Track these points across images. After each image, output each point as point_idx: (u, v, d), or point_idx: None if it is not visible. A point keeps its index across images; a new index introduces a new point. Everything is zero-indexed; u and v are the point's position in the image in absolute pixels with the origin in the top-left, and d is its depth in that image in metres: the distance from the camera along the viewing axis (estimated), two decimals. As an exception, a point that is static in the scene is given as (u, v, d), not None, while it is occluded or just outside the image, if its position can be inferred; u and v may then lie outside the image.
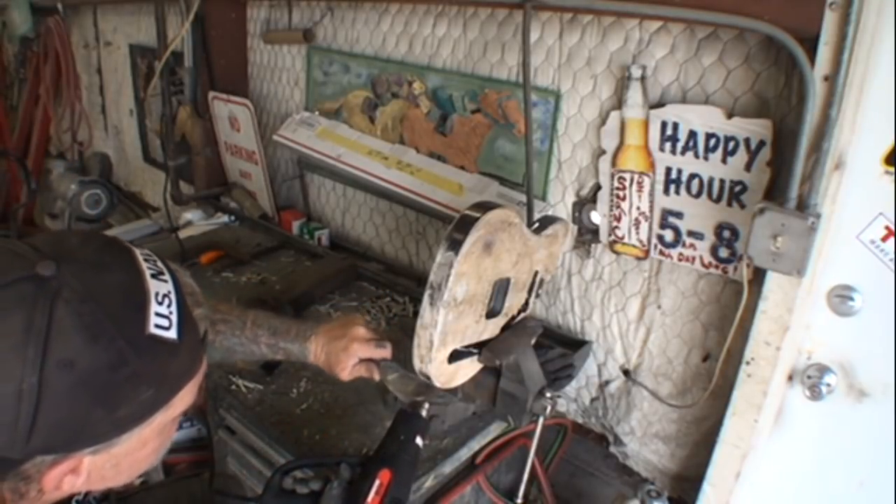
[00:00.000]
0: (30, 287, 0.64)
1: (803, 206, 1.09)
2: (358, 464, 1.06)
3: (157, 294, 0.70)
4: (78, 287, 0.65)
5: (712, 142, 1.27)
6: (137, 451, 0.73)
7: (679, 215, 1.37)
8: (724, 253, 1.33)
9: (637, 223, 1.43)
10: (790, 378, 1.21)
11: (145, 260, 0.73)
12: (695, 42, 1.29)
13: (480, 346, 1.24)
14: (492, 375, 1.29)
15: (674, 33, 1.31)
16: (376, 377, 1.27)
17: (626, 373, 1.58)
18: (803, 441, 1.23)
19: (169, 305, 0.71)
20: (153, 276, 0.72)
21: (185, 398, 0.75)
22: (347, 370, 1.25)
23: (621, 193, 1.44)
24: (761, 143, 1.21)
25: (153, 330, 0.68)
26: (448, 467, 1.38)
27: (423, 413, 1.14)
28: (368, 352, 1.25)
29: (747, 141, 1.23)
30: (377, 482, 1.02)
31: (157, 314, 0.69)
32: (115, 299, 0.68)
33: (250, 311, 1.27)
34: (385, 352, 1.27)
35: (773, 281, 1.16)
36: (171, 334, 0.70)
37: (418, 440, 1.10)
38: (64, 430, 0.65)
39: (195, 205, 2.57)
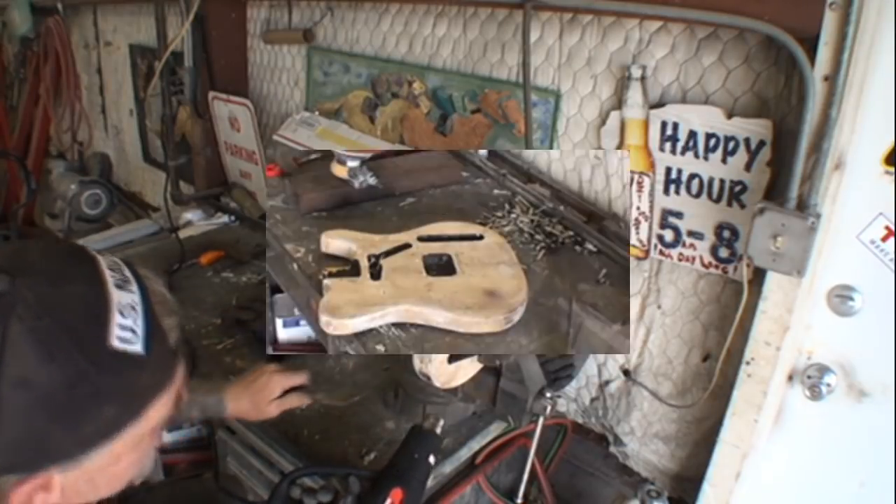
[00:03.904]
0: None
1: (803, 206, 1.09)
2: (368, 478, 1.05)
3: (120, 305, 0.67)
4: (33, 302, 0.62)
5: (712, 142, 1.27)
6: (112, 465, 0.71)
7: (679, 215, 1.37)
8: (724, 253, 1.33)
9: (637, 223, 1.43)
10: (790, 378, 1.21)
11: (110, 269, 0.70)
12: (695, 42, 1.29)
13: (480, 347, 1.24)
14: (492, 375, 1.29)
15: (674, 33, 1.31)
16: (306, 401, 1.37)
17: (626, 373, 1.58)
18: (803, 441, 1.23)
19: (135, 317, 0.68)
20: (117, 286, 0.68)
21: (159, 411, 0.72)
22: (274, 403, 1.31)
23: (621, 193, 1.44)
24: (761, 143, 1.21)
25: (116, 344, 0.65)
26: (448, 467, 1.38)
27: (438, 430, 1.12)
28: (288, 380, 1.34)
29: (747, 141, 1.23)
30: (388, 502, 1.00)
31: (121, 326, 0.66)
32: (74, 313, 0.64)
33: None
34: (302, 378, 1.36)
35: (773, 281, 1.16)
36: (136, 348, 0.67)
37: (431, 459, 1.08)
38: (24, 449, 0.63)
39: (195, 205, 2.57)
